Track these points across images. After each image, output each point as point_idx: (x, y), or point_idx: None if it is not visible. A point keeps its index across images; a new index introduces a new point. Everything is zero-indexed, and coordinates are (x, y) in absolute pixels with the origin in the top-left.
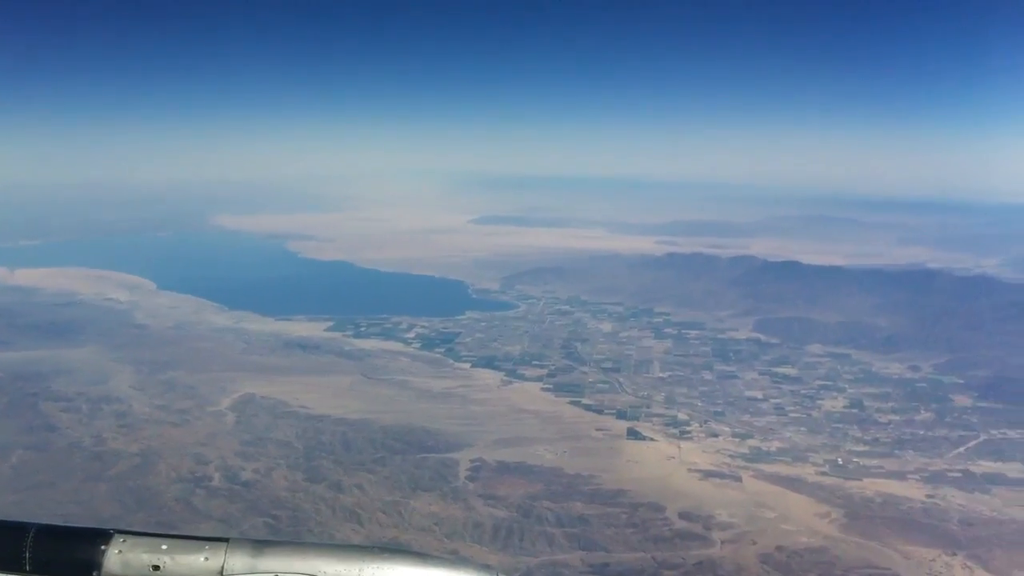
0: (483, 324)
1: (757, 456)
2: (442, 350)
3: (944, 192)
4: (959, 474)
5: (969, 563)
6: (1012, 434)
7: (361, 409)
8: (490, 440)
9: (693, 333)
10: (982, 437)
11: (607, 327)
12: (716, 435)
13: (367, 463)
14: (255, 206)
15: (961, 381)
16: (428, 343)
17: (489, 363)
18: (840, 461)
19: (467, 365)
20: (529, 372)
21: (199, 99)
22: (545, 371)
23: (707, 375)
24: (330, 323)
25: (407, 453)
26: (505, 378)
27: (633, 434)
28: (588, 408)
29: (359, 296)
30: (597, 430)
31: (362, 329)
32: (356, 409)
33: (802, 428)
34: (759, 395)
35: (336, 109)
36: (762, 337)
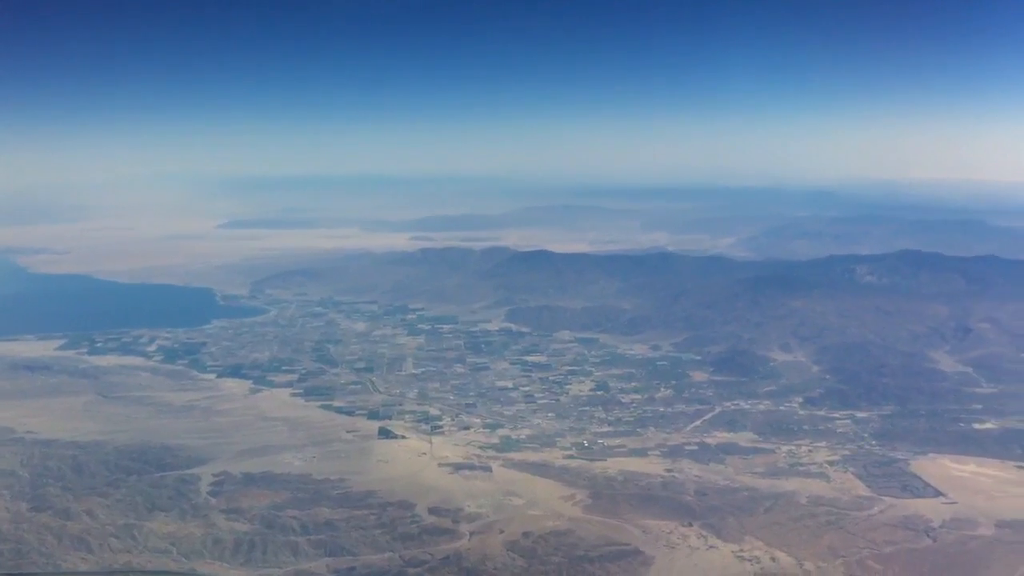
0: (230, 332)
1: (507, 445)
2: (186, 362)
3: (683, 179)
4: (696, 447)
5: (704, 532)
6: (744, 405)
7: (95, 430)
8: (235, 452)
9: (447, 327)
10: (717, 409)
11: (361, 326)
12: (467, 427)
13: (99, 487)
14: None
15: (698, 357)
16: (171, 355)
17: (236, 372)
18: (586, 443)
19: (212, 376)
20: (279, 378)
21: None
22: (296, 376)
23: (460, 368)
24: (63, 341)
25: (144, 473)
26: (253, 386)
27: (385, 433)
28: (339, 411)
29: (96, 310)
30: (348, 432)
31: (98, 345)
32: (89, 431)
33: (550, 414)
34: (510, 384)
35: (64, 114)
36: (513, 327)
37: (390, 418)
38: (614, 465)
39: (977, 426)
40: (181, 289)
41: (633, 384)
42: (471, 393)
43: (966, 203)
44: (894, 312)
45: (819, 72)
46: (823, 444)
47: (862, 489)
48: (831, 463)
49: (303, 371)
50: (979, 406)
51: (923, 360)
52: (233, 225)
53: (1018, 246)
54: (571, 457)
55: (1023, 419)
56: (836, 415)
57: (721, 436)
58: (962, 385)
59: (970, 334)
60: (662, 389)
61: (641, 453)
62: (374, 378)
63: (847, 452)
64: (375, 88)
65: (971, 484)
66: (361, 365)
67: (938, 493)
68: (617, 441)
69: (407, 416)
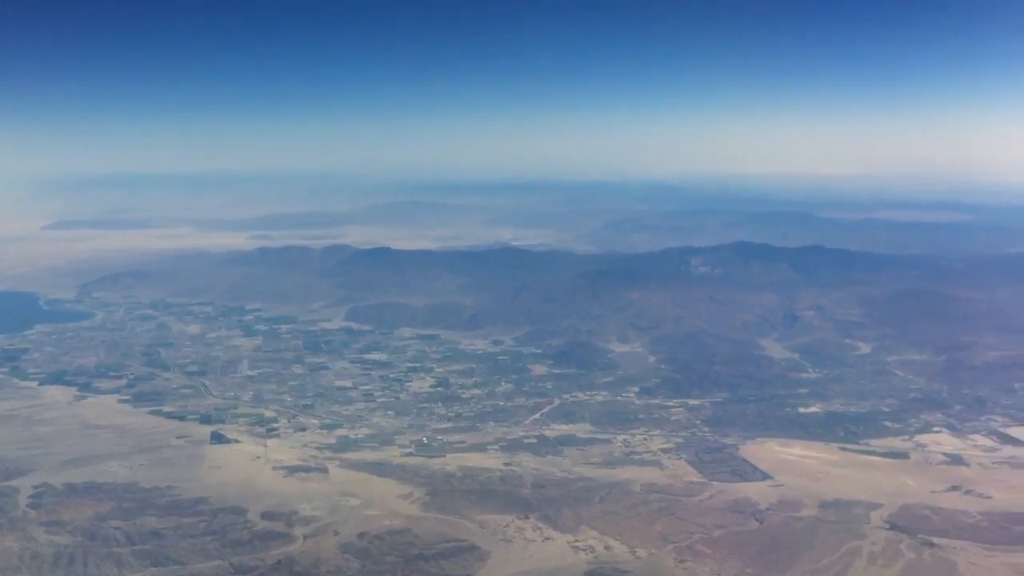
0: (54, 337)
1: (344, 445)
2: (6, 369)
3: (529, 174)
4: (534, 440)
5: (540, 524)
6: (582, 396)
7: None
8: (57, 462)
9: (285, 327)
10: (556, 402)
11: (194, 329)
12: (304, 429)
13: None
14: None
15: (538, 351)
16: None
17: (59, 379)
18: (425, 440)
19: (34, 383)
20: (105, 384)
21: None
22: (124, 382)
23: (297, 369)
24: None
25: None
26: (78, 393)
27: (217, 438)
28: (169, 416)
29: None
30: (178, 438)
31: None
32: None
33: (390, 412)
34: (349, 384)
35: None
36: (354, 325)
37: (223, 422)
38: (453, 461)
39: (803, 410)
40: (1, 294)
41: (473, 379)
42: (309, 394)
43: (794, 196)
44: (726, 302)
45: (659, 69)
46: (658, 432)
47: (694, 475)
48: (665, 451)
49: (131, 376)
50: (805, 391)
51: (753, 348)
52: (60, 226)
53: (841, 236)
54: (410, 455)
55: (846, 402)
56: (670, 403)
57: (560, 428)
58: (789, 371)
59: (797, 321)
60: (502, 383)
61: (480, 448)
62: (207, 381)
63: (680, 439)
64: (213, 82)
65: (797, 467)
66: (194, 369)
67: (766, 476)
68: (457, 437)
69: (242, 419)
